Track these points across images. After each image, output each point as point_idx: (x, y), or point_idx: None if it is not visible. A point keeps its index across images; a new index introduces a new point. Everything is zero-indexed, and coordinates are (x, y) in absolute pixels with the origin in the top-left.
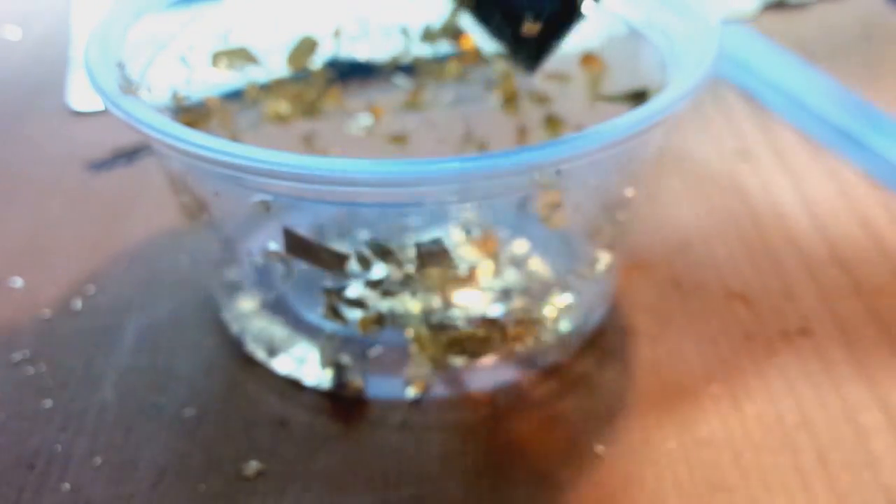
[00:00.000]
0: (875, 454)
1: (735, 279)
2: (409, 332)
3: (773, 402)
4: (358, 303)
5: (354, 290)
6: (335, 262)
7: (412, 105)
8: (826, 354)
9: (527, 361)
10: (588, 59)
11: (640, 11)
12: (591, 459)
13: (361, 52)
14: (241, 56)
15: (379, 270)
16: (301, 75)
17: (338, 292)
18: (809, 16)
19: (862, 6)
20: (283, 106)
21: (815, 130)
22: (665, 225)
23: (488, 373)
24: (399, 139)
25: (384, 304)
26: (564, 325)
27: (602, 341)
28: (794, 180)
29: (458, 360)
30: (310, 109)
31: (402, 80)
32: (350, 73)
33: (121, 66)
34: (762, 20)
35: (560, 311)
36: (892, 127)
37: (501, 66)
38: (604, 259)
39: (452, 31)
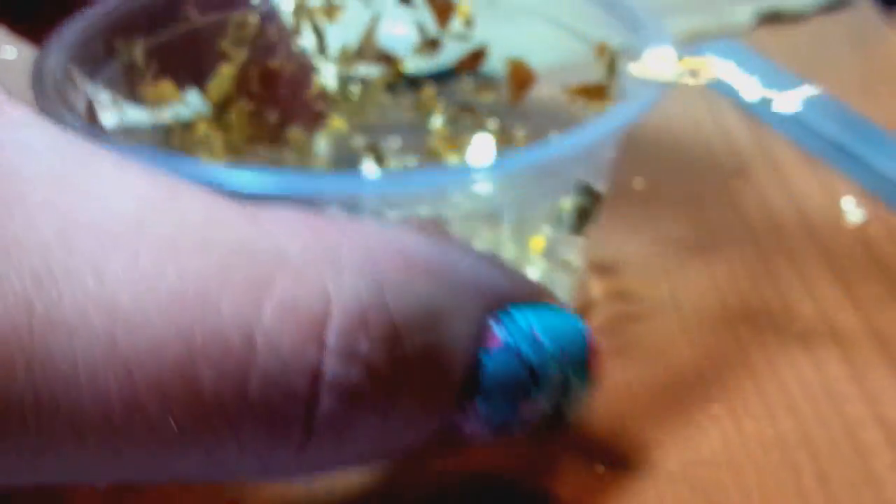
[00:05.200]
0: (876, 472)
1: (733, 296)
2: None
3: (774, 420)
4: None
5: None
6: None
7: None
8: (826, 371)
9: None
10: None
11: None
12: (591, 479)
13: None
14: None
15: None
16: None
17: None
18: (804, 29)
19: (857, 19)
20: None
21: (812, 145)
22: (662, 241)
23: None
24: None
25: None
26: None
27: (599, 360)
28: (792, 196)
29: None
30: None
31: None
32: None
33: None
34: (757, 34)
35: None
36: (887, 141)
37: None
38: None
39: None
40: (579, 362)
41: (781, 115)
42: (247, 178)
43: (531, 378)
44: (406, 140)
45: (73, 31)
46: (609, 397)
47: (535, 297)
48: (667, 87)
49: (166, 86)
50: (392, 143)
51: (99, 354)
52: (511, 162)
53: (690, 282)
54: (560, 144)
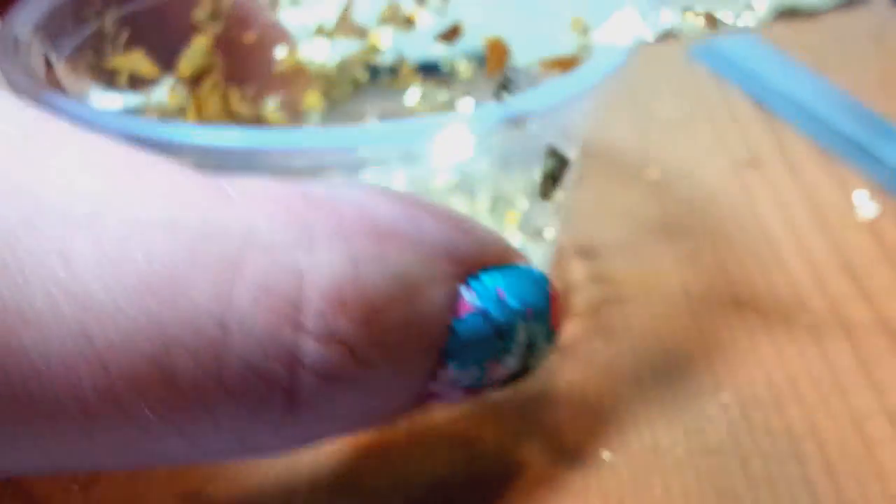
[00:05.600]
0: (883, 464)
1: (745, 287)
2: None
3: (782, 411)
4: None
5: None
6: None
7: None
8: (835, 363)
9: None
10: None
11: None
12: (598, 466)
13: None
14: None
15: None
16: None
17: None
18: (820, 24)
19: (874, 15)
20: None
21: (826, 139)
22: (674, 233)
23: None
24: None
25: None
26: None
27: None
28: (804, 189)
29: None
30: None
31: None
32: None
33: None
34: (773, 29)
35: None
36: None
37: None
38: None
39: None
40: (543, 317)
41: (795, 109)
42: (210, 134)
43: (499, 338)
44: (384, 116)
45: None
46: (616, 385)
47: (502, 257)
48: (632, 50)
49: (137, 56)
50: (368, 116)
51: (72, 347)
52: (478, 115)
53: (701, 271)
54: (525, 99)
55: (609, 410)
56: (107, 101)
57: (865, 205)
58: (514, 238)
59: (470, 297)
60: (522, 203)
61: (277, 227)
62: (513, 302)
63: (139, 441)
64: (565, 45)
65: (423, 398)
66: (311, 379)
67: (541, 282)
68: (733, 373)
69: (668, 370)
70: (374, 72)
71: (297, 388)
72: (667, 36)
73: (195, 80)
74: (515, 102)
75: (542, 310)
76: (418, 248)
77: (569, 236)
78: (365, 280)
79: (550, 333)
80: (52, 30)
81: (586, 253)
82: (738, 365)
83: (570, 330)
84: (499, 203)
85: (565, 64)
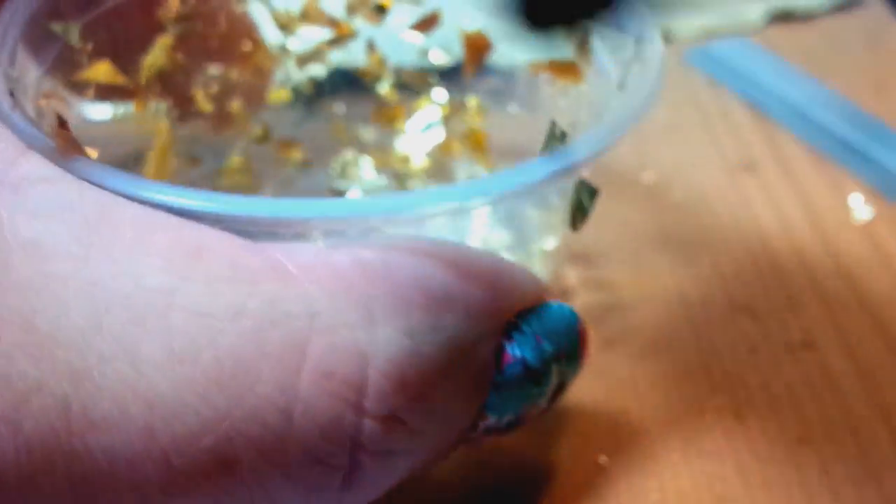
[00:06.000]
0: (879, 468)
1: (740, 292)
2: None
3: (777, 415)
4: None
5: None
6: None
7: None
8: (830, 367)
9: None
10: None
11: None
12: (594, 470)
13: None
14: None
15: None
16: None
17: None
18: (815, 28)
19: (868, 18)
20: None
21: (821, 143)
22: (670, 237)
23: None
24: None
25: None
26: None
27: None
28: (800, 193)
29: None
30: None
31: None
32: None
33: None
34: (767, 32)
35: None
36: None
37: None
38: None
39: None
40: (574, 356)
41: (790, 113)
42: (239, 205)
43: (535, 384)
44: (350, 108)
45: (14, 13)
46: (613, 389)
47: (539, 299)
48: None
49: (103, 67)
50: (336, 109)
51: (137, 446)
52: (488, 185)
53: (697, 276)
54: (548, 166)
55: (605, 415)
56: (96, 112)
57: (861, 208)
58: (515, 250)
59: (510, 348)
60: (532, 213)
61: (339, 307)
62: (548, 346)
63: None
64: (559, 46)
65: (457, 446)
66: (370, 459)
67: (572, 320)
68: (729, 377)
69: (665, 374)
70: (342, 73)
71: (355, 469)
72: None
73: (161, 82)
74: (542, 167)
75: (575, 350)
76: (468, 310)
77: (564, 242)
78: (421, 354)
79: (578, 368)
80: (28, 51)
81: (582, 258)
82: (735, 369)
83: None
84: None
85: (561, 69)
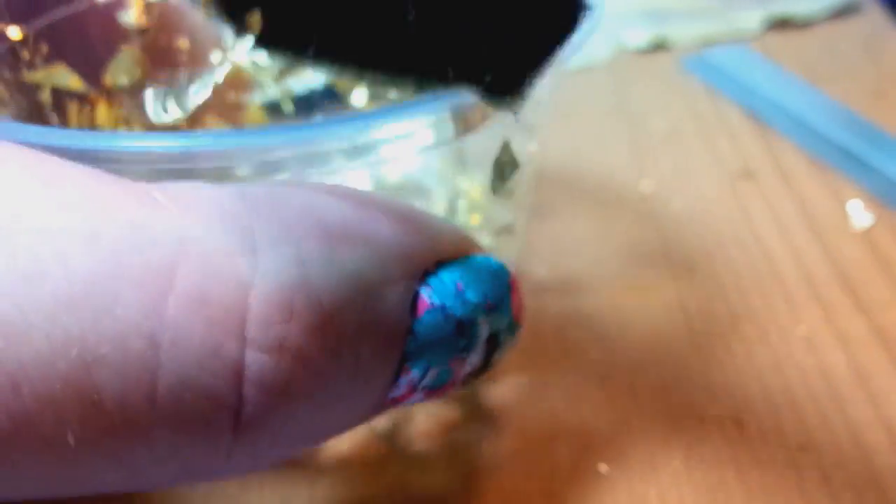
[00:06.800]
0: (880, 474)
1: (739, 300)
2: None
3: (777, 421)
4: None
5: None
6: None
7: None
8: (831, 374)
9: None
10: None
11: None
12: (595, 479)
13: None
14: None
15: None
16: None
17: None
18: (813, 35)
19: (866, 25)
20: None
21: (820, 150)
22: (669, 245)
23: None
24: None
25: None
26: None
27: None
28: (799, 200)
29: None
30: None
31: None
32: None
33: None
34: (765, 39)
35: None
36: (894, 146)
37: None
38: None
39: None
40: (504, 309)
41: (788, 120)
42: (130, 140)
43: (460, 335)
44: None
45: None
46: (613, 397)
47: (459, 249)
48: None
49: (59, 69)
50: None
51: None
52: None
53: (697, 283)
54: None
55: (606, 423)
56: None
57: (860, 215)
58: (480, 239)
59: (428, 295)
60: (483, 203)
61: (214, 234)
62: (472, 295)
63: (69, 470)
64: None
65: (384, 405)
66: (259, 395)
67: (500, 272)
68: (730, 384)
69: (665, 382)
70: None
71: (243, 405)
72: (658, 47)
73: (130, 91)
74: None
75: (503, 301)
76: (371, 248)
77: (562, 248)
78: (315, 284)
79: (513, 325)
80: None
81: (581, 265)
82: (735, 376)
83: (566, 342)
84: (456, 203)
85: None
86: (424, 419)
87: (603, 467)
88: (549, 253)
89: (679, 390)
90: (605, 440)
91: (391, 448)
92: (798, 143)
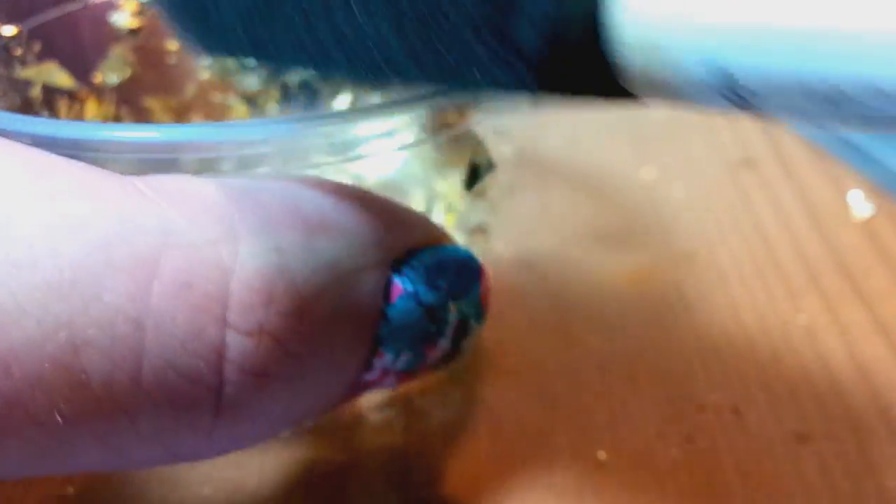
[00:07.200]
0: (878, 463)
1: (739, 289)
2: None
3: (776, 410)
4: None
5: None
6: None
7: None
8: (830, 364)
9: None
10: None
11: None
12: (593, 466)
13: None
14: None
15: None
16: None
17: None
18: None
19: None
20: None
21: (820, 139)
22: (669, 234)
23: None
24: None
25: None
26: None
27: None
28: (799, 189)
29: None
30: None
31: None
32: None
33: None
34: None
35: None
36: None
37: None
38: None
39: None
40: (473, 295)
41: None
42: (114, 131)
43: (431, 320)
44: None
45: None
46: (612, 385)
47: (429, 238)
48: None
49: (50, 67)
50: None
51: None
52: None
53: (696, 272)
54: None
55: (605, 411)
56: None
57: (860, 205)
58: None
59: (400, 281)
60: (458, 204)
61: (197, 224)
62: (442, 282)
63: (56, 449)
64: None
65: (358, 388)
66: (239, 376)
67: (469, 261)
68: (728, 373)
69: (664, 371)
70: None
71: (223, 386)
72: None
73: (121, 90)
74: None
75: (472, 288)
76: (346, 237)
77: (563, 236)
78: (293, 271)
79: (480, 312)
80: None
81: (581, 252)
82: (734, 365)
83: (565, 330)
84: (433, 204)
85: None
86: (423, 406)
87: (602, 455)
88: (549, 241)
89: (678, 378)
90: (603, 428)
91: (385, 439)
92: (799, 132)
